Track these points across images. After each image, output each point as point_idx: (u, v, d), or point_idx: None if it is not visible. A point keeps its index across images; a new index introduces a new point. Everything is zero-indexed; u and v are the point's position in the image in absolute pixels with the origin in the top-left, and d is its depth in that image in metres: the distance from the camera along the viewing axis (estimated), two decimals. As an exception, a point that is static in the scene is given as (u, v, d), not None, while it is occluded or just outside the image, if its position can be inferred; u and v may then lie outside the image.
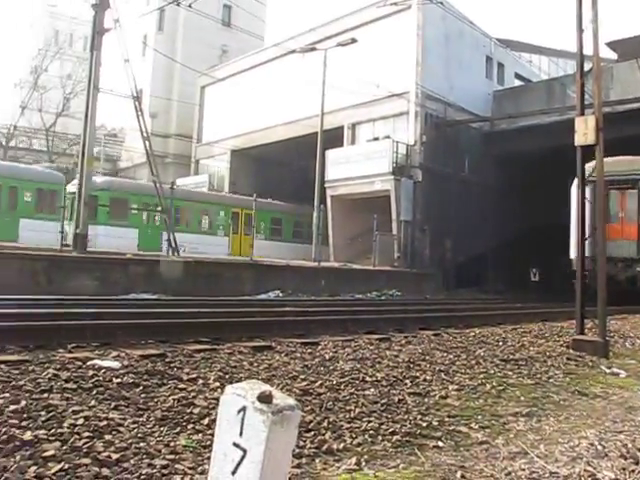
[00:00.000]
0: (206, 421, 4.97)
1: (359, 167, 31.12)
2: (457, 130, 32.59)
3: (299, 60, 33.40)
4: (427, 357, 8.75)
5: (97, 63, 20.41)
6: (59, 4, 70.56)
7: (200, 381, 6.04)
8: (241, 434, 2.84)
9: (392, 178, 30.06)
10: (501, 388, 7.05)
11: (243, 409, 2.85)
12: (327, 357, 8.02)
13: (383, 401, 6.16)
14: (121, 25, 20.61)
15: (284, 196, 35.86)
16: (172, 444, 4.44)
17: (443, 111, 31.88)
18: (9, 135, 49.36)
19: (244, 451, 2.83)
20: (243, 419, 2.84)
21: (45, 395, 5.03)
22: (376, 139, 32.75)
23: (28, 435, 4.16)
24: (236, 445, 2.85)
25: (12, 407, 4.63)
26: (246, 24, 38.10)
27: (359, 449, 4.83)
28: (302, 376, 6.80)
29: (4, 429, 4.19)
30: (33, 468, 3.71)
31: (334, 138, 31.73)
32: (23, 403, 4.73)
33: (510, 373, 7.99)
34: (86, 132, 20.28)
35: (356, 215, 31.51)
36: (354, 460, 4.56)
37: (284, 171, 38.36)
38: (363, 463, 4.53)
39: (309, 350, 8.42)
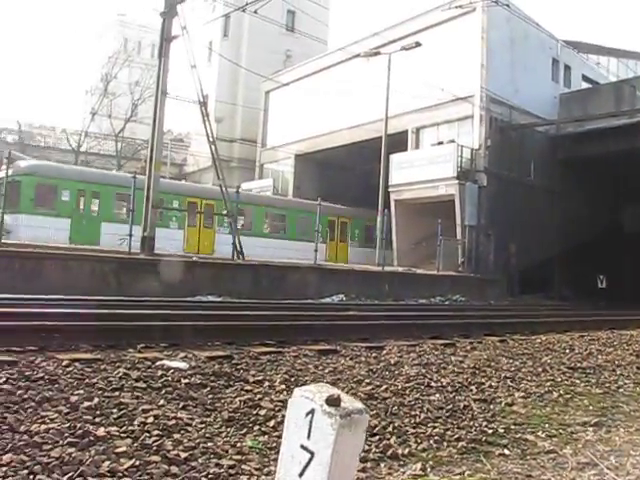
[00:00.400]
0: (272, 423, 5.02)
1: (423, 171, 30.89)
2: (522, 134, 32.01)
3: (363, 64, 33.39)
4: (493, 363, 8.66)
5: (165, 69, 20.80)
6: (128, 13, 72.31)
7: (266, 383, 6.11)
8: (309, 437, 2.86)
9: (456, 183, 29.74)
10: (568, 396, 6.92)
11: (311, 412, 2.87)
12: (392, 362, 8.00)
13: (448, 407, 6.12)
14: (188, 32, 20.95)
15: (348, 200, 35.87)
16: (238, 445, 4.50)
17: (508, 115, 31.40)
18: (80, 140, 50.71)
19: (312, 454, 2.85)
20: (311, 422, 2.86)
21: (116, 393, 5.16)
22: (440, 143, 32.45)
23: (101, 431, 4.28)
24: (304, 447, 2.88)
25: (86, 404, 4.77)
26: (309, 29, 38.28)
27: (424, 455, 4.81)
28: (367, 380, 6.81)
29: (79, 424, 4.32)
30: (106, 463, 3.83)
31: (398, 142, 31.58)
32: (96, 400, 4.87)
33: (577, 381, 7.84)
34: (154, 137, 20.67)
35: (420, 220, 31.26)
36: (419, 466, 4.54)
37: (348, 175, 38.35)
38: (428, 469, 4.52)
39: (374, 354, 8.41)
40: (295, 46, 48.83)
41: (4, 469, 3.59)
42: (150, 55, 68.80)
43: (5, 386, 4.94)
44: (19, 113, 73.00)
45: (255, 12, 22.95)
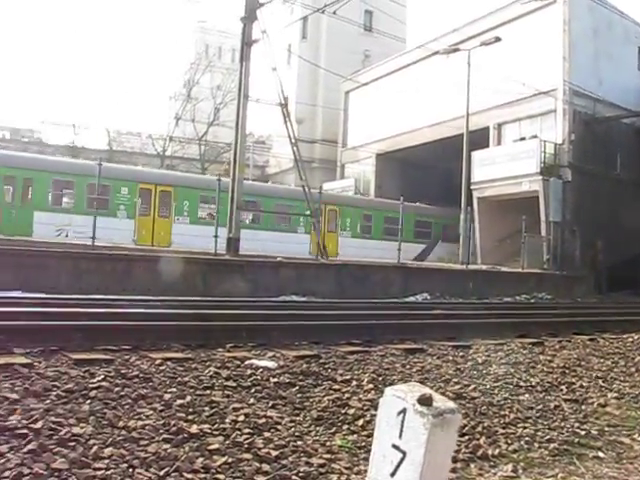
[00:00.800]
0: (361, 422, 5.03)
1: (506, 168, 30.31)
2: (607, 127, 30.95)
3: (442, 61, 33.01)
4: (583, 363, 8.44)
5: (246, 73, 21.08)
6: (209, 19, 73.57)
7: (354, 382, 6.12)
8: (400, 436, 2.85)
9: (540, 178, 29.03)
10: (666, 398, 6.68)
11: (403, 411, 2.86)
12: (479, 361, 7.90)
13: (538, 407, 6.01)
14: (268, 35, 21.19)
15: (429, 199, 35.63)
16: (328, 444, 4.53)
17: (592, 107, 30.40)
18: (165, 145, 51.96)
19: (403, 453, 2.84)
20: (403, 421, 2.85)
21: (208, 392, 5.27)
22: (522, 139, 31.77)
23: (194, 428, 4.38)
24: (395, 447, 2.87)
25: (179, 401, 4.89)
26: (387, 28, 38.02)
27: (515, 456, 4.74)
28: (455, 379, 6.75)
29: (173, 422, 4.44)
30: (200, 459, 3.92)
31: (479, 139, 31.09)
32: (188, 398, 4.99)
33: (675, 382, 7.56)
34: (237, 139, 21.00)
35: (503, 217, 30.72)
36: (510, 467, 4.47)
37: (429, 173, 37.97)
38: (520, 470, 4.44)
39: (461, 353, 8.31)
40: (373, 46, 48.70)
41: (106, 462, 3.73)
42: (230, 60, 70.03)
43: (103, 383, 5.12)
44: (108, 120, 75.29)
45: (334, 13, 23.02)
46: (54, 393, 4.76)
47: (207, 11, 76.33)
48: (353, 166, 46.12)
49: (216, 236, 18.54)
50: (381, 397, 3.09)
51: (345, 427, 4.93)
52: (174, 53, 77.46)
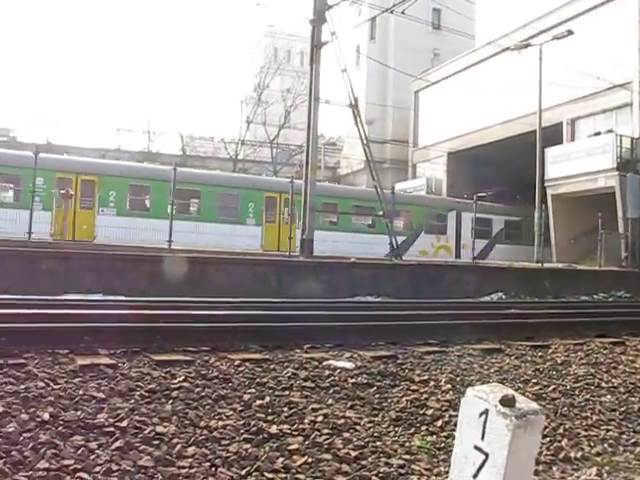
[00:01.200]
0: (439, 423, 5.00)
1: (580, 164, 29.58)
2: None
3: (513, 57, 32.45)
4: (667, 363, 8.16)
5: (316, 75, 21.16)
6: (277, 24, 74.32)
7: (431, 383, 6.07)
8: (483, 437, 2.82)
9: (617, 174, 28.18)
10: None
11: (485, 412, 2.83)
12: (559, 361, 7.72)
13: (622, 409, 5.85)
14: (337, 37, 21.26)
15: (502, 197, 35.16)
16: (407, 444, 4.52)
17: (670, 99, 29.38)
18: (237, 148, 52.64)
19: (486, 455, 2.81)
20: (485, 422, 2.82)
21: (286, 392, 5.32)
22: (597, 134, 30.94)
23: (274, 429, 4.43)
24: (477, 448, 2.84)
25: (258, 402, 4.95)
26: (456, 25, 37.66)
27: (599, 459, 4.62)
28: (534, 380, 6.63)
29: (253, 422, 4.49)
30: (280, 459, 3.96)
31: (553, 135, 30.41)
32: (267, 399, 5.04)
33: None
34: (309, 141, 21.10)
35: (579, 214, 29.95)
36: (594, 471, 4.37)
37: (501, 171, 37.38)
38: (604, 475, 4.34)
39: (539, 353, 8.14)
40: (442, 44, 48.39)
41: (189, 460, 3.82)
42: (299, 62, 70.57)
43: (184, 384, 5.22)
44: (181, 126, 77.08)
45: (402, 13, 22.90)
46: (138, 393, 4.89)
47: (276, 15, 77.04)
48: (424, 165, 45.82)
49: (290, 237, 18.70)
50: (460, 398, 3.08)
51: (424, 428, 4.91)
52: (245, 58, 78.50)
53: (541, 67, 27.88)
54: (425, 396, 5.62)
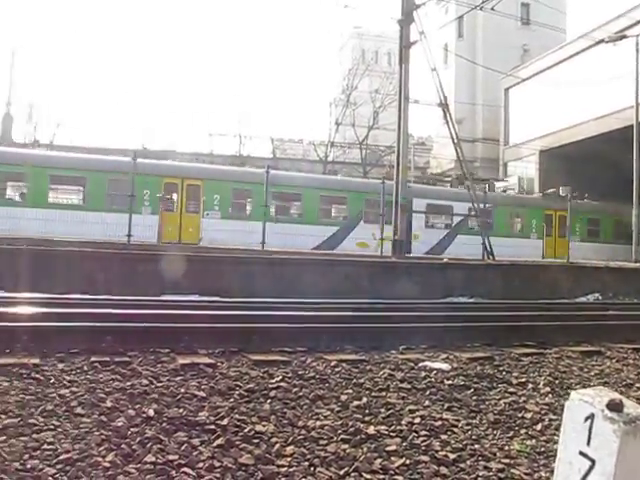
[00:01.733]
0: (539, 427, 4.89)
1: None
2: None
3: (608, 50, 31.35)
4: None
5: (406, 75, 21.09)
6: (364, 25, 74.35)
7: (530, 385, 5.96)
8: (588, 443, 2.74)
9: None
10: None
11: (591, 417, 2.75)
12: (665, 365, 7.43)
13: None
14: (426, 36, 21.12)
15: (598, 195, 33.94)
16: (506, 448, 4.44)
17: None
18: (327, 150, 52.91)
19: (592, 462, 2.72)
20: (591, 427, 2.74)
21: (383, 393, 5.32)
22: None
23: (371, 430, 4.43)
24: (583, 454, 2.76)
25: (355, 403, 4.97)
26: (546, 19, 36.81)
27: None
28: (638, 384, 6.40)
29: (350, 422, 4.52)
30: (378, 461, 3.95)
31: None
32: (364, 400, 5.06)
33: None
34: (399, 142, 21.05)
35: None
36: None
37: (596, 168, 36.17)
38: None
39: (642, 357, 7.86)
40: (532, 39, 47.38)
41: (288, 459, 3.86)
42: (387, 63, 70.42)
43: (282, 384, 5.30)
44: (271, 128, 78.21)
45: (492, 9, 22.54)
46: (237, 392, 5.00)
47: (363, 17, 77.12)
48: (516, 164, 44.90)
49: (382, 239, 18.67)
50: (559, 401, 3.01)
51: (523, 431, 4.81)
52: (332, 60, 78.85)
53: (638, 59, 26.88)
54: (523, 399, 5.51)
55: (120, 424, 4.12)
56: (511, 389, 5.80)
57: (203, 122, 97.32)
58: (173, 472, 3.55)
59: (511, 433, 4.75)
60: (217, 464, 3.69)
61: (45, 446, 3.76)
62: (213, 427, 4.22)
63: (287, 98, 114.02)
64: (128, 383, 5.01)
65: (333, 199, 29.76)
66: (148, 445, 3.84)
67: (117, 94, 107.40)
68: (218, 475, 3.58)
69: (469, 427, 4.75)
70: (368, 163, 52.55)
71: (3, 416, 4.19)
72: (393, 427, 4.55)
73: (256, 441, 4.08)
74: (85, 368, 5.42)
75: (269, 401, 4.86)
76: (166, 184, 25.46)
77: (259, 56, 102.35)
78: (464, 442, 4.42)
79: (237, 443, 4.01)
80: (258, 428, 4.28)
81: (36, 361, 5.47)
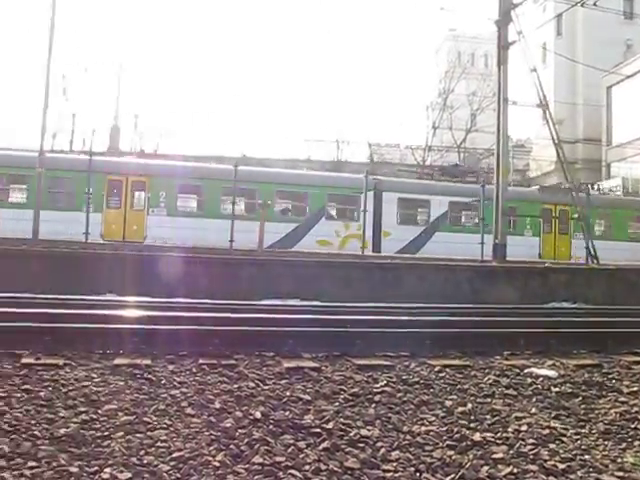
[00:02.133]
0: (653, 438, 4.71)
1: None
2: None
3: None
4: None
5: (504, 76, 20.75)
6: (460, 27, 73.55)
7: (642, 395, 5.75)
8: None
9: None
10: None
11: None
12: None
13: None
14: (524, 36, 20.71)
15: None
16: (619, 460, 4.28)
17: None
18: (425, 155, 52.59)
19: None
20: None
21: (488, 400, 5.24)
22: None
23: (477, 436, 4.37)
24: None
25: (460, 409, 4.92)
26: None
27: None
28: None
29: (456, 428, 4.48)
30: (485, 468, 3.90)
31: None
32: (469, 406, 5.00)
33: None
34: (499, 144, 20.71)
35: None
36: None
37: None
38: None
39: None
40: (636, 34, 45.68)
41: (394, 464, 3.86)
42: (484, 65, 69.37)
43: (386, 388, 5.31)
44: (368, 133, 78.43)
45: (594, 4, 21.85)
46: (341, 396, 5.04)
47: (458, 19, 76.28)
48: (619, 165, 43.34)
49: (482, 243, 18.40)
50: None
51: (636, 443, 4.63)
52: (428, 63, 78.46)
53: None
54: (636, 409, 5.30)
55: (228, 425, 4.24)
56: (622, 398, 5.60)
57: (299, 128, 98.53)
58: (280, 473, 3.61)
59: (624, 445, 4.58)
60: (323, 467, 3.73)
61: (159, 443, 3.92)
62: (319, 430, 4.27)
63: (384, 103, 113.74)
64: (235, 385, 5.13)
65: (291, 195, 28.40)
66: (256, 446, 3.92)
67: (216, 102, 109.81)
68: (324, 478, 3.62)
69: (578, 437, 4.61)
70: (465, 166, 51.96)
71: (120, 413, 4.38)
72: (499, 434, 4.47)
73: (361, 445, 4.10)
74: (194, 370, 5.59)
75: (374, 405, 4.88)
76: (110, 181, 25.33)
77: (356, 61, 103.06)
78: (573, 452, 4.30)
79: (343, 447, 4.04)
80: (363, 432, 4.30)
81: (148, 362, 5.69)
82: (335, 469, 3.72)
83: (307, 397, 4.94)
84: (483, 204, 19.45)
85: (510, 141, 47.75)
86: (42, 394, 4.70)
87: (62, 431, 4.01)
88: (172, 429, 4.17)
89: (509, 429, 4.59)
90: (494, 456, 4.10)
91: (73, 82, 48.67)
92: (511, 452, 4.18)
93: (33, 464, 3.55)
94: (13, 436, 3.91)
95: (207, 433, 4.11)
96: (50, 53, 21.02)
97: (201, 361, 5.82)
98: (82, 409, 4.44)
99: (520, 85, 23.25)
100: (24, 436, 3.93)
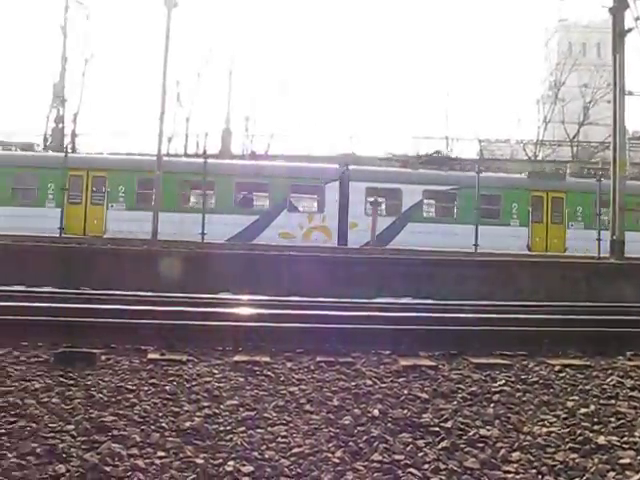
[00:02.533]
0: None
1: None
2: None
3: None
4: None
5: (620, 66, 19.95)
6: (570, 17, 71.31)
7: None
8: None
9: None
10: None
11: None
12: None
13: None
14: (641, 21, 19.86)
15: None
16: None
17: None
18: (536, 149, 51.18)
19: None
20: None
21: (612, 402, 5.06)
22: None
23: (602, 439, 4.23)
24: None
25: (582, 410, 4.78)
26: None
27: None
28: None
29: (578, 431, 4.35)
30: (612, 474, 3.76)
31: None
32: (592, 407, 4.85)
33: None
34: (615, 136, 19.97)
35: None
36: None
37: None
38: None
39: None
40: None
41: (514, 466, 3.80)
42: (596, 55, 66.86)
43: (505, 388, 5.23)
44: (478, 129, 76.80)
45: None
46: (459, 395, 5.00)
47: (568, 8, 73.76)
48: None
49: (599, 239, 17.78)
50: None
51: None
52: (538, 56, 76.36)
53: None
54: None
55: (347, 422, 4.28)
56: None
57: (408, 125, 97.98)
58: (399, 472, 3.62)
59: None
60: (442, 466, 3.71)
61: (279, 439, 4.01)
62: (437, 429, 4.26)
63: (493, 97, 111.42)
64: (353, 383, 5.18)
65: (251, 186, 27.80)
66: (374, 444, 3.95)
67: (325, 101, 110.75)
68: (444, 478, 3.60)
69: None
70: (579, 160, 50.24)
71: (241, 409, 4.51)
72: (625, 438, 4.30)
73: (481, 445, 4.05)
74: (312, 367, 5.69)
75: (492, 405, 4.81)
76: (71, 176, 25.24)
77: (465, 56, 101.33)
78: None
79: (462, 446, 4.01)
80: (482, 432, 4.25)
81: (267, 359, 5.82)
82: (455, 469, 3.70)
83: (425, 395, 4.93)
84: (599, 199, 18.72)
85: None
86: (167, 388, 4.90)
87: (187, 424, 4.17)
88: (292, 425, 4.26)
89: (636, 433, 4.41)
90: (621, 461, 3.94)
91: (186, 87, 49.86)
92: (639, 458, 4.03)
93: (162, 454, 3.73)
94: (143, 427, 4.11)
95: (326, 430, 4.17)
96: (166, 62, 21.80)
97: (319, 359, 5.90)
98: (205, 404, 4.60)
99: (637, 74, 22.31)
100: (153, 427, 4.12)
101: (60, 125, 47.18)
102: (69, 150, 23.25)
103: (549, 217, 27.63)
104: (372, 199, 23.94)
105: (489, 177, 23.10)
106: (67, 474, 3.38)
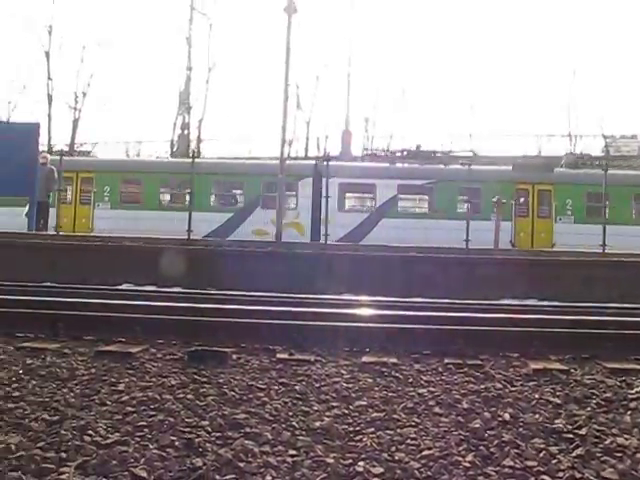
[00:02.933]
0: None
1: None
2: None
3: None
4: None
5: None
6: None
7: None
8: None
9: None
10: None
11: None
12: None
13: None
14: None
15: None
16: None
17: None
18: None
19: None
20: None
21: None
22: None
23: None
24: None
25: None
26: None
27: None
28: None
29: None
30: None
31: None
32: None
33: None
34: None
35: None
36: None
37: None
38: None
39: None
40: None
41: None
42: None
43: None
44: (604, 125, 73.39)
45: None
46: (593, 401, 4.83)
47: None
48: None
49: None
50: None
51: None
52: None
53: None
54: None
55: (477, 426, 4.23)
56: None
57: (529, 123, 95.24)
58: (532, 479, 3.54)
59: None
60: (578, 475, 3.60)
61: (408, 441, 4.00)
62: (571, 436, 4.12)
63: (620, 91, 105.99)
64: (482, 386, 5.11)
65: (228, 184, 28.86)
66: (506, 449, 3.88)
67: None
68: (582, 487, 3.50)
69: None
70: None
71: (370, 410, 4.55)
72: None
73: (619, 455, 3.89)
74: (440, 369, 5.66)
75: (629, 412, 4.61)
76: (64, 178, 25.64)
77: (588, 50, 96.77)
78: None
79: (598, 455, 3.87)
80: (620, 441, 4.07)
81: (394, 360, 5.83)
82: (591, 478, 3.58)
83: (557, 400, 4.80)
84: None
85: None
86: (297, 388, 5.00)
87: (317, 424, 4.24)
88: (421, 427, 4.24)
89: None
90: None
91: (306, 91, 50.66)
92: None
93: (293, 452, 3.81)
94: (274, 425, 4.22)
95: (456, 433, 4.14)
96: (287, 68, 22.06)
97: (446, 361, 5.86)
98: (334, 404, 4.66)
99: None
100: (283, 426, 4.22)
101: (186, 131, 49.13)
102: (195, 155, 24.12)
103: (535, 211, 26.78)
104: (495, 199, 23.14)
105: (470, 170, 21.99)
106: (204, 467, 3.52)
